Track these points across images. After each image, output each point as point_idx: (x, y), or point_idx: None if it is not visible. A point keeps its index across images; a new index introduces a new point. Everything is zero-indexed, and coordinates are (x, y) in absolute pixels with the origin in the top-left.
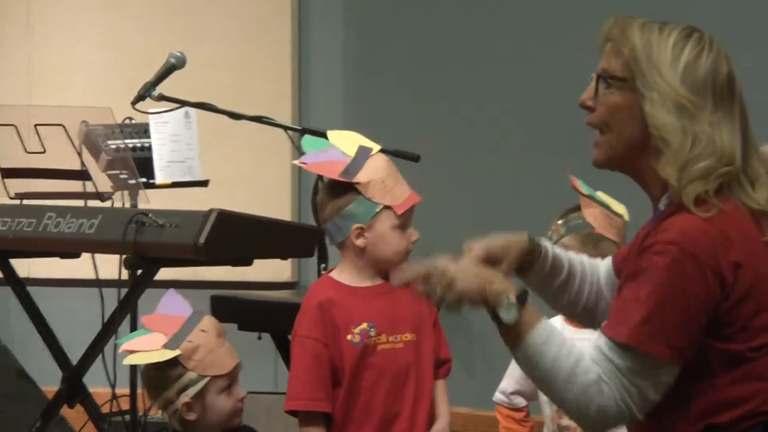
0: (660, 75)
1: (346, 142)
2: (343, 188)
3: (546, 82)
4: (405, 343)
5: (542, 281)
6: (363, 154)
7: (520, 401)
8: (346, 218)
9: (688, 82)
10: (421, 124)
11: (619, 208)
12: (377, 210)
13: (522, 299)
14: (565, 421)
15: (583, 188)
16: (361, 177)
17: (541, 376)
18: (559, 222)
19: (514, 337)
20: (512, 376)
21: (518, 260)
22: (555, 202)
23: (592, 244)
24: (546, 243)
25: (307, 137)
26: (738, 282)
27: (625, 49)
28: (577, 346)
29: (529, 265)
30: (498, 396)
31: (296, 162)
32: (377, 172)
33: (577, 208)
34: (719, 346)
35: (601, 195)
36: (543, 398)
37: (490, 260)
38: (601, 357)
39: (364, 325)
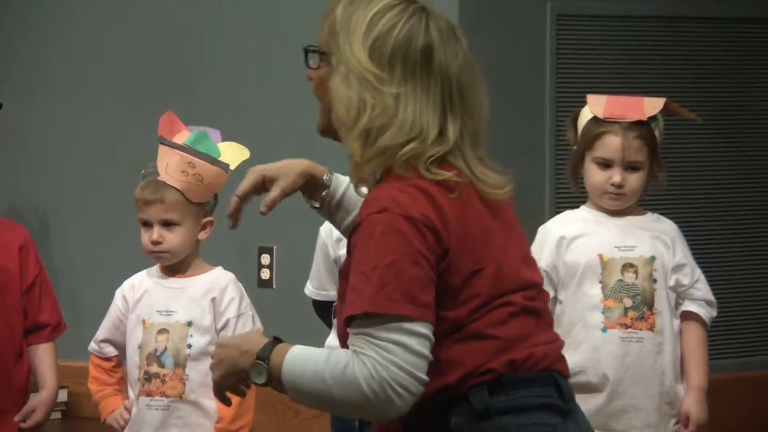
0: (351, 49)
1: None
2: None
3: None
4: None
5: (330, 215)
6: None
7: (111, 350)
8: None
9: (375, 55)
10: None
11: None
12: None
13: (264, 354)
14: (154, 368)
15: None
16: None
17: (315, 400)
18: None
19: (276, 387)
20: (103, 326)
21: (299, 183)
22: None
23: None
24: (343, 179)
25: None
26: (451, 237)
27: (327, 22)
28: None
29: (315, 192)
30: (91, 345)
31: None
32: None
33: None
34: (442, 313)
35: None
36: (131, 344)
37: (268, 181)
38: (351, 338)
39: None
